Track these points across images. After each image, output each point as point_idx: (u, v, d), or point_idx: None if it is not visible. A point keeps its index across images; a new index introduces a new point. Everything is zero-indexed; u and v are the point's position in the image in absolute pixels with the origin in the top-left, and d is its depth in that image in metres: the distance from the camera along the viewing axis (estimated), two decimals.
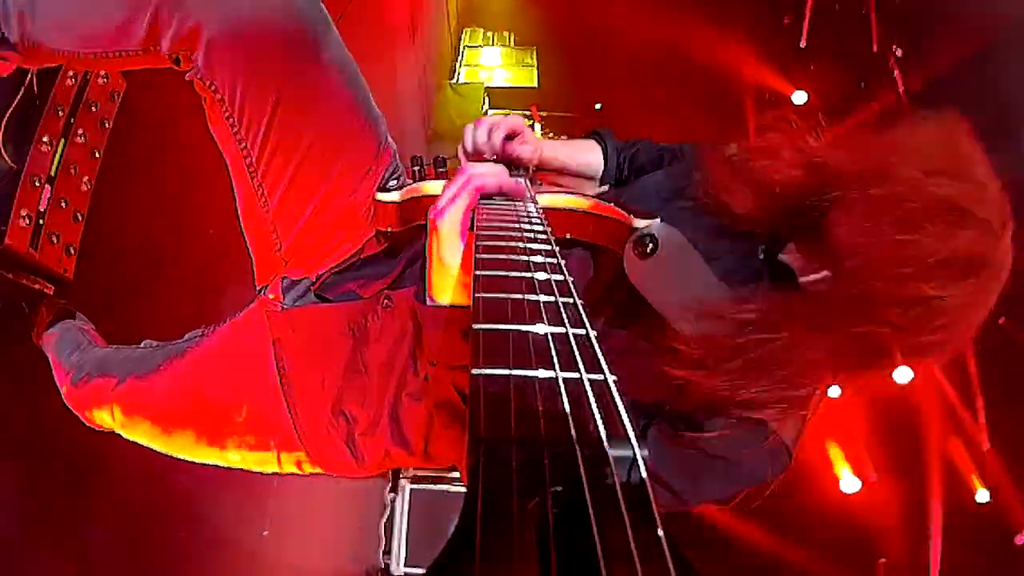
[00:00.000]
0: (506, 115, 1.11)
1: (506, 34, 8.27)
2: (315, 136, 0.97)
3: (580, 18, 6.66)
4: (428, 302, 0.79)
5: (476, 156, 1.09)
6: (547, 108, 7.18)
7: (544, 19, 7.61)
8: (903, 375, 4.19)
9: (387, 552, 4.43)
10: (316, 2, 0.95)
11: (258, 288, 1.12)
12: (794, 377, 0.76)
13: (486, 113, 7.01)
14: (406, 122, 4.94)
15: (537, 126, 6.99)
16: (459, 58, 7.99)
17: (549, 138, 1.24)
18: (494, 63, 7.91)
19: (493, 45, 8.17)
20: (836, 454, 4.67)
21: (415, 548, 4.40)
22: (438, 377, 0.85)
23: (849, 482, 4.59)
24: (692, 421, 0.80)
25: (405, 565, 4.37)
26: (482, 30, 8.35)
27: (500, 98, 7.35)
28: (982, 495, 3.84)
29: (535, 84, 7.62)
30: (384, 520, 4.48)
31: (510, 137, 1.10)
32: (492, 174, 0.77)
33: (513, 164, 1.11)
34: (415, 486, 4.57)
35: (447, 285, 0.75)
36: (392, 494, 4.54)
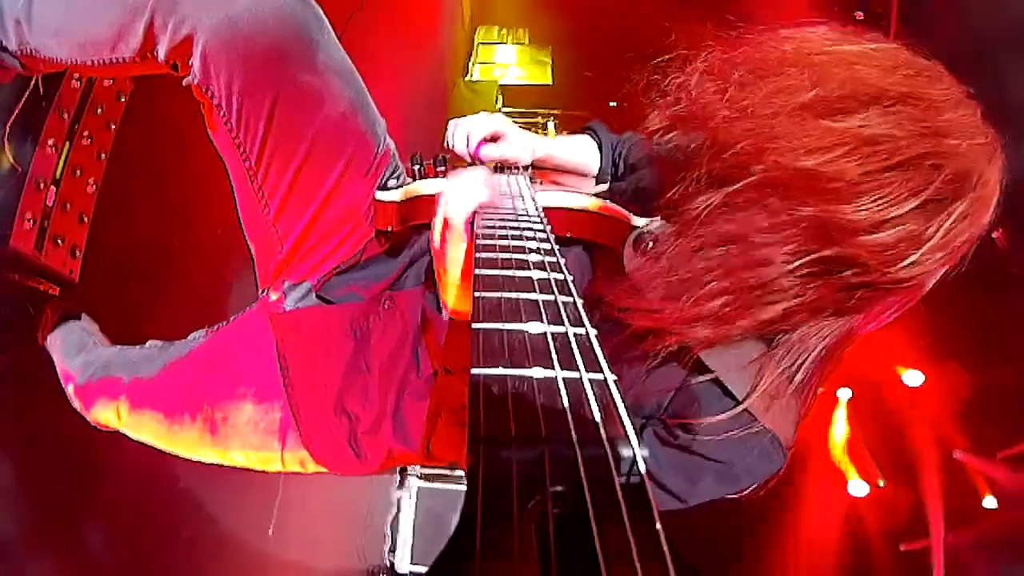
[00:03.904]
0: (491, 115, 1.11)
1: (521, 31, 8.24)
2: (313, 140, 0.97)
3: (596, 15, 6.62)
4: (444, 314, 0.81)
5: (455, 154, 1.11)
6: (561, 106, 7.15)
7: (559, 16, 7.57)
8: (913, 378, 4.18)
9: (393, 550, 4.43)
10: (310, 4, 0.95)
11: (260, 290, 1.12)
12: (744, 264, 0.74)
13: (499, 111, 7.01)
14: (420, 121, 4.95)
15: (551, 124, 6.98)
16: (473, 55, 7.97)
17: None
18: (508, 60, 7.87)
19: (507, 43, 8.14)
20: (843, 458, 4.65)
21: (421, 547, 4.40)
22: (451, 383, 0.85)
23: (857, 486, 4.57)
24: (686, 423, 0.80)
25: (411, 564, 4.38)
26: (496, 27, 8.32)
27: (514, 96, 7.32)
28: (989, 501, 3.82)
29: (550, 81, 7.57)
30: (391, 518, 4.48)
31: (494, 139, 1.11)
32: (469, 201, 0.75)
33: (509, 164, 1.12)
34: (423, 484, 4.56)
35: (459, 296, 0.77)
36: (399, 492, 4.54)
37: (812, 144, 0.73)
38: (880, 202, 0.70)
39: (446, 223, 0.75)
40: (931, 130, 0.72)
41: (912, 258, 0.71)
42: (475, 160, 1.11)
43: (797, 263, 0.73)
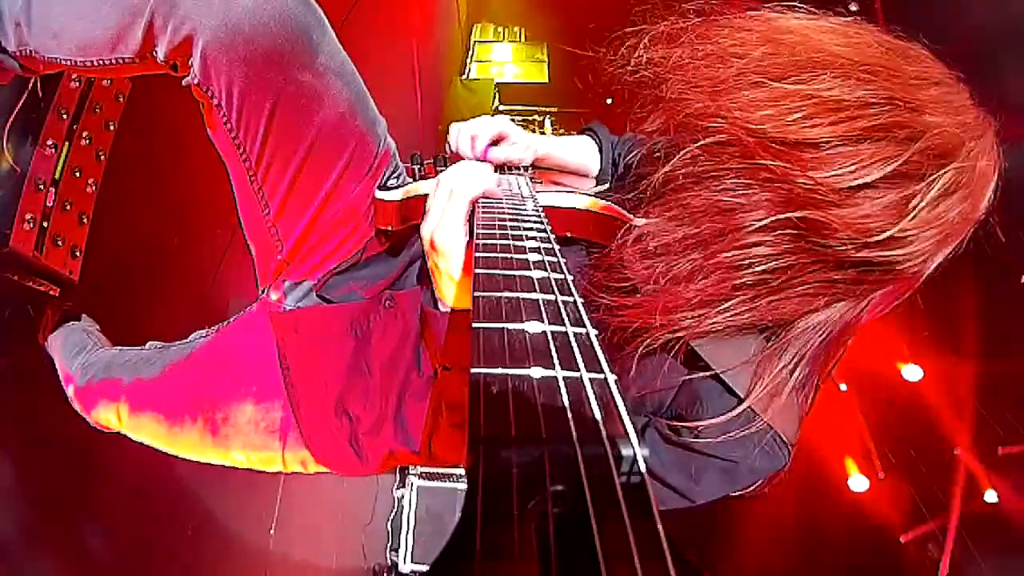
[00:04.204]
0: (494, 117, 1.11)
1: (517, 29, 8.24)
2: (313, 140, 0.97)
3: (591, 12, 6.61)
4: (441, 308, 0.80)
5: (459, 157, 1.10)
6: (558, 104, 7.15)
7: (555, 14, 7.54)
8: (913, 373, 4.18)
9: (394, 549, 4.44)
10: (310, 4, 0.95)
11: (261, 289, 1.12)
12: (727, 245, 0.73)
13: (497, 109, 7.01)
14: (417, 119, 4.95)
15: (548, 121, 6.98)
16: (470, 54, 7.96)
17: (559, 134, 1.25)
18: (505, 59, 7.87)
19: (504, 40, 8.14)
20: (844, 453, 4.65)
21: (422, 545, 4.41)
22: (451, 380, 0.85)
23: (858, 481, 4.58)
24: (689, 422, 0.79)
25: (412, 562, 4.39)
26: (492, 25, 8.33)
27: (511, 94, 7.32)
28: (991, 495, 3.82)
29: (546, 79, 7.57)
30: (392, 517, 4.50)
31: (496, 142, 1.10)
32: (475, 180, 0.77)
33: (510, 164, 1.12)
34: (423, 483, 4.58)
35: (458, 292, 0.76)
36: (400, 491, 4.55)
37: (765, 106, 0.72)
38: (850, 167, 0.69)
39: (432, 248, 0.75)
40: (904, 104, 0.71)
41: (891, 231, 0.69)
42: (483, 161, 1.11)
43: (767, 222, 0.72)
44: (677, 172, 0.78)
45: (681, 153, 0.77)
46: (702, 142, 0.76)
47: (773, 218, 0.71)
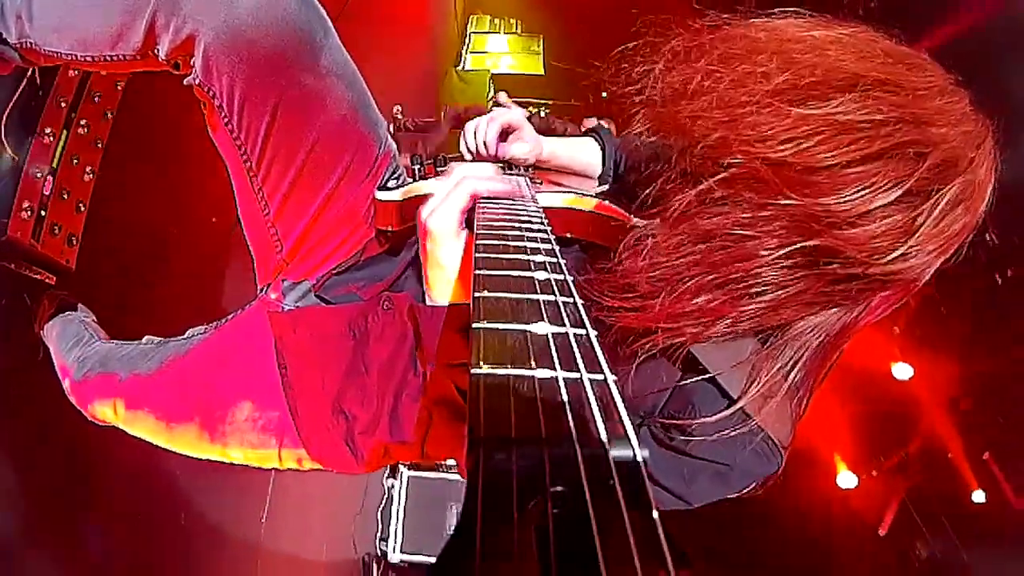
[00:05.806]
0: (509, 109, 1.10)
1: (513, 21, 8.21)
2: (314, 142, 0.97)
3: (586, 4, 6.55)
4: (428, 302, 0.80)
5: (476, 154, 1.10)
6: (553, 96, 7.12)
7: (550, 6, 7.52)
8: (903, 371, 4.20)
9: (384, 538, 4.43)
10: (313, 6, 0.94)
11: (260, 288, 1.12)
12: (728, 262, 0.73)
13: (491, 100, 7.00)
14: (412, 109, 4.93)
15: (544, 114, 6.95)
16: (465, 45, 7.93)
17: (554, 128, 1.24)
18: (500, 50, 7.85)
19: (499, 32, 8.11)
20: (833, 451, 4.67)
21: (412, 534, 4.41)
22: (436, 376, 0.85)
23: (846, 478, 4.60)
24: (682, 425, 0.80)
25: (402, 551, 4.39)
26: (488, 17, 8.29)
27: (506, 85, 7.27)
28: (978, 495, 3.84)
29: (541, 71, 7.54)
30: (382, 506, 4.49)
31: (507, 133, 1.10)
32: (484, 178, 0.78)
33: (512, 163, 1.12)
34: (413, 473, 4.57)
35: (445, 285, 0.76)
36: (390, 480, 4.54)
37: (783, 134, 0.71)
38: (863, 193, 0.69)
39: (424, 229, 0.75)
40: (914, 118, 0.71)
41: (900, 250, 0.70)
42: (492, 155, 1.10)
43: (780, 254, 0.72)
44: (689, 197, 0.77)
45: (699, 188, 0.76)
46: (720, 176, 0.75)
47: (787, 249, 0.71)
